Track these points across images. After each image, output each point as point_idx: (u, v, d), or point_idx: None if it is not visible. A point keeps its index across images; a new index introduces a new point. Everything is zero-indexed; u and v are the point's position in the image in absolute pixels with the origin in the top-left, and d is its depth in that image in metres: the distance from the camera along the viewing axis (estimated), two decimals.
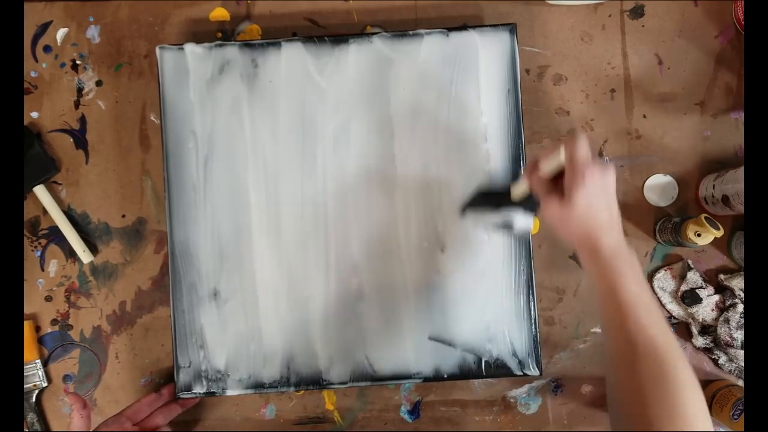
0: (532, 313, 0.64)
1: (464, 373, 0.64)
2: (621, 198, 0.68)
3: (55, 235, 0.69)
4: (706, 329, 0.67)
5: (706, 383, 0.68)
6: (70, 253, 0.69)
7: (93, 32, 0.70)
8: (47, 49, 0.70)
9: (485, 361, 0.64)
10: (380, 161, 0.65)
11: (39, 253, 0.69)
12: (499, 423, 0.69)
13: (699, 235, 0.61)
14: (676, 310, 0.67)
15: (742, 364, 0.66)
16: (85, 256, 0.68)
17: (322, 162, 0.65)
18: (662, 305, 0.68)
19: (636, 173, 0.69)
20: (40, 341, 0.69)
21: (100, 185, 0.70)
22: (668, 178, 0.69)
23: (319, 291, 0.64)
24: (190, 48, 0.65)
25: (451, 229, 0.64)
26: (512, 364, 0.64)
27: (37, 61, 0.70)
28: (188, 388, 0.64)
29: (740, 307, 0.65)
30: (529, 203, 0.56)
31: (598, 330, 0.69)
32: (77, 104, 0.70)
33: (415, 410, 0.69)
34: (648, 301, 0.47)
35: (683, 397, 0.43)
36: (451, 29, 0.65)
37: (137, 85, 0.70)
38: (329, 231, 0.64)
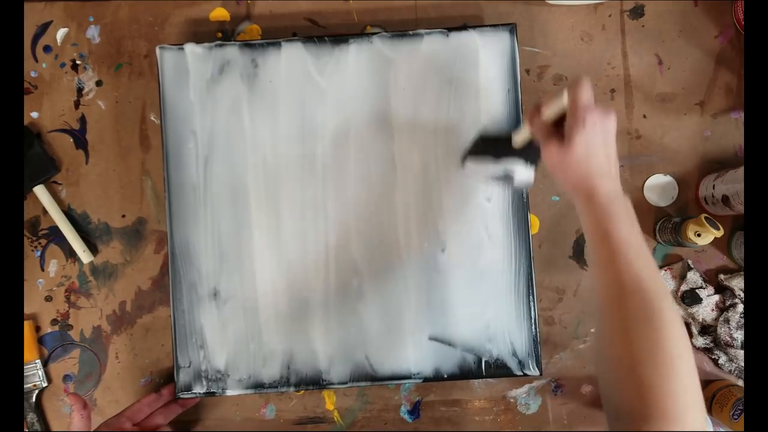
0: (532, 313, 0.64)
1: (464, 373, 0.64)
2: None
3: (55, 235, 0.69)
4: (706, 329, 0.67)
5: (706, 383, 0.68)
6: (70, 253, 0.69)
7: (93, 32, 0.70)
8: (47, 49, 0.70)
9: (485, 361, 0.64)
10: (380, 161, 0.65)
11: (39, 253, 0.69)
12: (499, 423, 0.69)
13: (699, 235, 0.61)
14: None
15: (742, 364, 0.66)
16: (85, 256, 0.68)
17: (322, 162, 0.65)
18: None
19: (636, 173, 0.69)
20: (40, 341, 0.69)
21: (100, 185, 0.70)
22: (668, 178, 0.69)
23: (319, 291, 0.64)
24: (190, 48, 0.65)
25: (451, 228, 0.64)
26: (512, 364, 0.64)
27: (37, 61, 0.70)
28: (188, 388, 0.64)
29: (740, 307, 0.65)
30: (530, 153, 0.56)
31: None
32: (77, 104, 0.70)
33: (415, 410, 0.69)
34: (639, 244, 0.47)
35: (667, 335, 0.42)
36: (451, 29, 0.65)
37: (137, 85, 0.70)
38: (329, 231, 0.64)
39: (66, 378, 0.69)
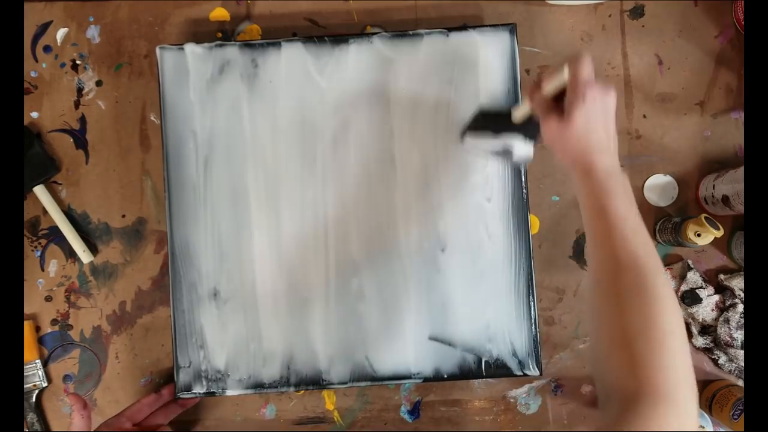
0: (532, 313, 0.64)
1: (464, 373, 0.64)
2: None
3: (55, 235, 0.69)
4: (706, 329, 0.67)
5: (706, 383, 0.68)
6: (70, 253, 0.69)
7: (93, 32, 0.70)
8: (47, 49, 0.70)
9: (485, 361, 0.64)
10: (380, 161, 0.65)
11: (39, 253, 0.69)
12: (499, 423, 0.69)
13: (699, 235, 0.61)
14: None
15: (742, 364, 0.66)
16: (85, 256, 0.68)
17: (321, 162, 0.65)
18: None
19: (636, 173, 0.69)
20: (40, 341, 0.69)
21: (100, 185, 0.70)
22: (668, 178, 0.69)
23: (319, 291, 0.64)
24: (190, 48, 0.65)
25: (451, 228, 0.64)
26: (512, 364, 0.64)
27: (37, 61, 0.70)
28: (188, 388, 0.64)
29: (740, 307, 0.65)
30: (530, 128, 0.55)
31: None
32: (77, 104, 0.70)
33: (415, 410, 0.69)
34: (635, 220, 0.47)
35: (660, 311, 0.42)
36: (451, 29, 0.65)
37: (137, 85, 0.70)
38: (329, 231, 0.64)
39: (66, 378, 0.69)
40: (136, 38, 0.70)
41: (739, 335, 0.64)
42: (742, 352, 0.65)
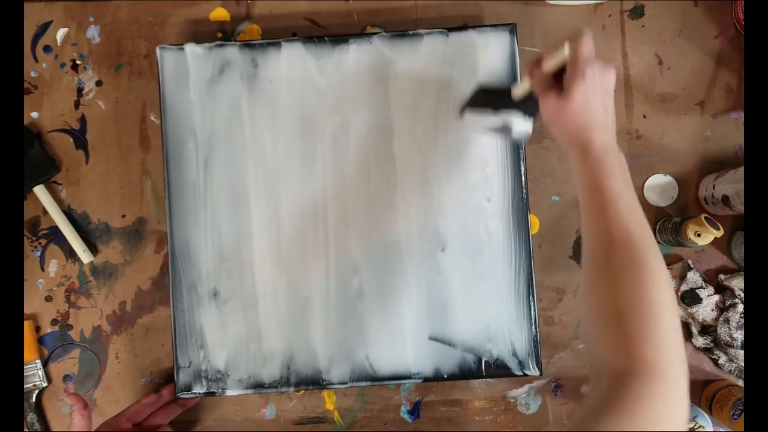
0: (532, 313, 0.64)
1: (464, 373, 0.64)
2: None
3: (55, 235, 0.69)
4: (706, 329, 0.67)
5: (706, 383, 0.68)
6: (70, 253, 0.69)
7: (93, 32, 0.70)
8: (47, 49, 0.70)
9: (485, 361, 0.64)
10: (380, 161, 0.65)
11: (39, 253, 0.69)
12: (499, 423, 0.69)
13: (699, 235, 0.61)
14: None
15: (742, 364, 0.66)
16: (85, 256, 0.68)
17: (321, 162, 0.65)
18: None
19: (636, 173, 0.69)
20: (40, 341, 0.69)
21: (100, 185, 0.70)
22: (668, 178, 0.69)
23: (319, 291, 0.64)
24: (190, 48, 0.65)
25: (451, 228, 0.64)
26: (512, 364, 0.64)
27: (37, 61, 0.70)
28: (188, 388, 0.64)
29: (740, 307, 0.65)
30: (530, 105, 0.55)
31: None
32: (77, 104, 0.70)
33: (415, 410, 0.69)
34: (630, 197, 0.47)
35: (653, 286, 0.42)
36: (451, 29, 0.65)
37: (137, 85, 0.70)
38: (329, 231, 0.64)
39: (66, 378, 0.69)
40: (136, 38, 0.70)
41: (739, 335, 0.64)
42: (742, 352, 0.65)
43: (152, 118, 0.70)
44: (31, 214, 0.69)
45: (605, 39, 0.70)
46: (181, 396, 0.64)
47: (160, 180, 0.69)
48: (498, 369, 0.64)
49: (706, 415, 0.62)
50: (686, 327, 0.68)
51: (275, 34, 0.70)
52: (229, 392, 0.63)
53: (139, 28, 0.70)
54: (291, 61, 0.65)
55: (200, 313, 0.64)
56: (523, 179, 0.64)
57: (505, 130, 0.57)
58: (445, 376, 0.64)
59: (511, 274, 0.64)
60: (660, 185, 0.69)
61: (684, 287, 0.67)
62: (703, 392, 0.67)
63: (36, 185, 0.68)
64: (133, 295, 0.69)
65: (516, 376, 0.64)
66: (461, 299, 0.64)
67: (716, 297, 0.66)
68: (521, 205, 0.64)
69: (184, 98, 0.65)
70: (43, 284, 0.69)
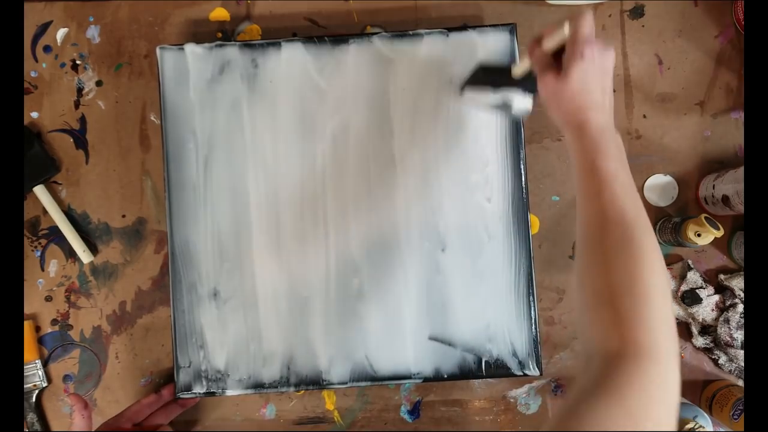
0: (532, 313, 0.64)
1: (464, 373, 0.64)
2: None
3: (55, 235, 0.69)
4: (706, 329, 0.67)
5: (706, 383, 0.68)
6: (70, 253, 0.69)
7: (93, 32, 0.70)
8: (47, 49, 0.70)
9: (485, 361, 0.64)
10: (380, 161, 0.65)
11: (39, 253, 0.69)
12: (499, 423, 0.69)
13: (699, 235, 0.61)
14: (676, 310, 0.67)
15: (742, 364, 0.66)
16: (85, 256, 0.68)
17: (321, 162, 0.65)
18: None
19: (636, 173, 0.69)
20: (40, 341, 0.69)
21: (100, 185, 0.70)
22: (668, 178, 0.69)
23: (319, 291, 0.64)
24: (190, 48, 0.65)
25: (451, 228, 0.64)
26: (512, 364, 0.64)
27: (37, 61, 0.70)
28: (188, 388, 0.64)
29: (740, 307, 0.65)
30: (529, 83, 0.55)
31: None
32: (77, 104, 0.70)
33: (415, 410, 0.69)
34: (625, 178, 0.47)
35: (646, 267, 0.42)
36: (451, 29, 0.65)
37: (137, 85, 0.70)
38: (329, 231, 0.64)
39: (66, 378, 0.69)
40: (136, 38, 0.70)
41: (739, 335, 0.64)
42: (742, 352, 0.65)
43: (152, 118, 0.70)
44: (31, 214, 0.69)
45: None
46: (181, 396, 0.64)
47: (160, 180, 0.69)
48: (498, 369, 0.64)
49: (706, 415, 0.62)
50: (686, 327, 0.68)
51: (275, 34, 0.70)
52: (229, 392, 0.63)
53: (139, 28, 0.70)
54: (291, 61, 0.65)
55: (200, 313, 0.64)
56: (523, 179, 0.64)
57: (505, 107, 0.57)
58: (445, 376, 0.64)
59: (511, 274, 0.64)
60: (660, 185, 0.69)
61: (684, 287, 0.67)
62: (703, 392, 0.67)
63: (36, 185, 0.68)
64: (133, 295, 0.69)
65: (516, 376, 0.64)
66: (461, 299, 0.64)
67: (716, 297, 0.66)
68: (521, 205, 0.64)
69: (184, 98, 0.65)
70: (43, 284, 0.69)
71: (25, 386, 0.67)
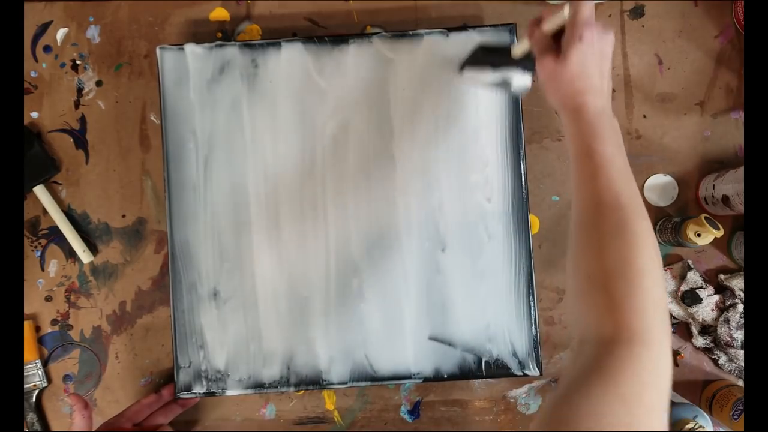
0: (532, 313, 0.64)
1: (464, 373, 0.64)
2: None
3: (55, 235, 0.69)
4: (706, 329, 0.67)
5: (706, 383, 0.68)
6: (70, 253, 0.69)
7: (93, 32, 0.70)
8: (47, 49, 0.70)
9: (485, 361, 0.64)
10: (380, 161, 0.65)
11: (39, 253, 0.69)
12: (499, 423, 0.69)
13: (699, 235, 0.61)
14: (676, 310, 0.67)
15: (742, 364, 0.66)
16: (85, 256, 0.68)
17: (321, 162, 0.65)
18: None
19: (636, 173, 0.69)
20: (40, 341, 0.69)
21: (100, 185, 0.70)
22: (668, 178, 0.69)
23: (319, 291, 0.64)
24: (190, 48, 0.65)
25: (451, 228, 0.64)
26: (512, 364, 0.64)
27: (37, 61, 0.70)
28: (188, 388, 0.64)
29: (740, 307, 0.65)
30: (529, 62, 0.55)
31: None
32: (77, 104, 0.70)
33: (415, 410, 0.69)
34: (621, 163, 0.47)
35: (638, 250, 0.42)
36: (451, 29, 0.65)
37: (137, 85, 0.70)
38: (329, 231, 0.64)
39: (66, 378, 0.69)
40: (136, 38, 0.70)
41: (739, 335, 0.64)
42: (742, 352, 0.65)
43: (152, 118, 0.70)
44: (31, 214, 0.69)
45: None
46: (181, 396, 0.64)
47: (160, 180, 0.69)
48: (498, 369, 0.64)
49: (706, 415, 0.62)
50: (686, 327, 0.68)
51: (275, 34, 0.70)
52: (229, 392, 0.63)
53: (139, 28, 0.70)
54: (291, 61, 0.65)
55: (200, 313, 0.64)
56: (523, 179, 0.64)
57: (504, 84, 0.57)
58: (445, 376, 0.64)
59: (511, 274, 0.64)
60: (660, 185, 0.69)
61: (684, 287, 0.67)
62: (703, 392, 0.67)
63: (36, 185, 0.68)
64: (133, 295, 0.69)
65: (516, 376, 0.64)
66: (461, 299, 0.64)
67: (716, 297, 0.66)
68: (521, 205, 0.64)
69: (184, 98, 0.65)
70: (43, 284, 0.69)
71: (25, 386, 0.67)
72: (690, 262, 0.68)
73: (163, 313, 0.69)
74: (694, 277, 0.67)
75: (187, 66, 0.65)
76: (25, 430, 0.68)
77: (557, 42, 0.50)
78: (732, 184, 0.62)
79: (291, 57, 0.65)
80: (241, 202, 0.65)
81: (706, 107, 0.69)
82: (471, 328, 0.64)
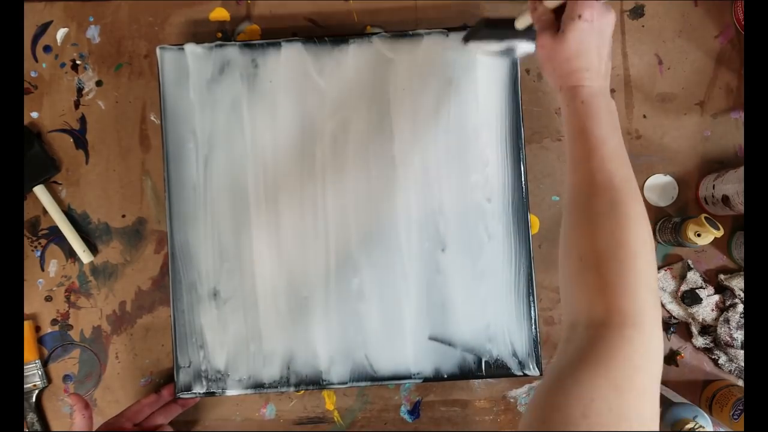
0: (532, 313, 0.64)
1: (464, 373, 0.64)
2: None
3: (55, 235, 0.69)
4: (706, 329, 0.67)
5: (706, 383, 0.68)
6: (70, 253, 0.69)
7: (93, 32, 0.70)
8: (47, 49, 0.70)
9: (485, 361, 0.64)
10: (380, 161, 0.65)
11: (39, 253, 0.69)
12: (499, 423, 0.69)
13: (699, 235, 0.61)
14: (676, 310, 0.67)
15: (742, 364, 0.66)
16: (85, 256, 0.68)
17: (321, 162, 0.65)
18: (662, 305, 0.68)
19: (636, 173, 0.69)
20: (40, 341, 0.69)
21: (100, 185, 0.70)
22: (668, 178, 0.69)
23: (319, 291, 0.64)
24: (190, 48, 0.65)
25: (451, 228, 0.64)
26: (512, 364, 0.64)
27: (37, 61, 0.70)
28: (188, 388, 0.64)
29: (740, 307, 0.65)
30: (532, 33, 0.55)
31: None
32: (77, 104, 0.70)
33: (415, 410, 0.69)
34: (616, 143, 0.46)
35: (630, 231, 0.42)
36: (451, 29, 0.65)
37: (137, 85, 0.70)
38: (329, 231, 0.64)
39: (66, 378, 0.69)
40: (136, 38, 0.70)
41: (739, 335, 0.64)
42: (742, 352, 0.65)
43: (152, 118, 0.70)
44: (31, 214, 0.69)
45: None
46: (181, 396, 0.64)
47: (160, 180, 0.69)
48: (498, 369, 0.64)
49: (706, 415, 0.62)
50: (686, 327, 0.68)
51: (275, 34, 0.70)
52: (229, 392, 0.63)
53: (139, 28, 0.70)
54: (291, 61, 0.65)
55: (200, 313, 0.64)
56: (523, 179, 0.64)
57: (508, 51, 0.59)
58: (445, 376, 0.64)
59: (511, 274, 0.64)
60: (660, 185, 0.69)
61: (684, 287, 0.67)
62: (703, 392, 0.67)
63: (36, 185, 0.68)
64: (133, 295, 0.69)
65: (516, 376, 0.64)
66: (461, 299, 0.64)
67: (716, 297, 0.66)
68: (521, 205, 0.64)
69: (184, 98, 0.65)
70: (43, 284, 0.69)
71: (25, 386, 0.67)
72: (690, 262, 0.68)
73: (163, 313, 0.69)
74: (694, 277, 0.67)
75: (187, 66, 0.65)
76: (25, 430, 0.68)
77: (559, 19, 0.50)
78: (732, 184, 0.62)
79: (291, 57, 0.65)
80: (241, 202, 0.65)
81: (706, 107, 0.69)
82: (471, 328, 0.64)
